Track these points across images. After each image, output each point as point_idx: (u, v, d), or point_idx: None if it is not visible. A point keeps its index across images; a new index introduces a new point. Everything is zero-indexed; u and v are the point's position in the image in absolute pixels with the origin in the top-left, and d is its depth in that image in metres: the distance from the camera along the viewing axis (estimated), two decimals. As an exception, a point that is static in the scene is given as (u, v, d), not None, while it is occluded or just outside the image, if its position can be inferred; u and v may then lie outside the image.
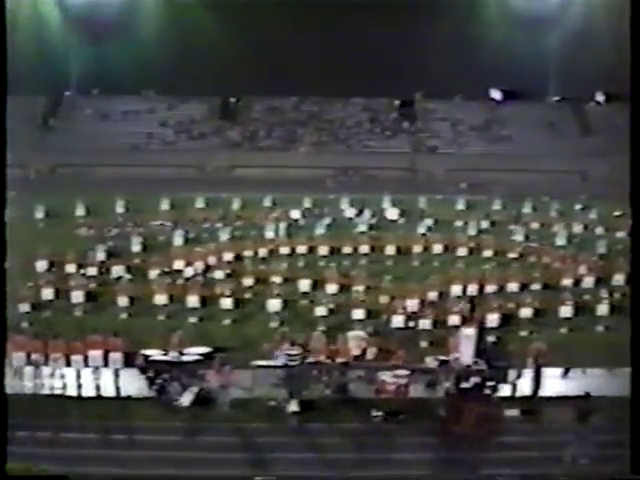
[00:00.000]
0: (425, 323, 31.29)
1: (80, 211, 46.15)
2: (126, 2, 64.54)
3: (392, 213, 47.23)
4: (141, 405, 25.27)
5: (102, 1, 64.24)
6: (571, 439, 22.74)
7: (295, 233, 42.42)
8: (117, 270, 36.42)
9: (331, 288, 34.51)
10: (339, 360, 27.12)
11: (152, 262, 36.82)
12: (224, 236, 41.59)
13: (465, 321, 30.50)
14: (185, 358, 26.92)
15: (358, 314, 32.16)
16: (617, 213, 43.93)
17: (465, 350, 26.91)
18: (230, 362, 26.02)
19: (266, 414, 24.80)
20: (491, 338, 29.31)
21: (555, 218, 46.45)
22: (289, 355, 26.65)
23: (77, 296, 33.44)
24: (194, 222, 44.78)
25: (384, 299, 33.05)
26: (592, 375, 27.04)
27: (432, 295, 33.54)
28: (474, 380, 25.98)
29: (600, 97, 66.10)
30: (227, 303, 33.14)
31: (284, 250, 39.94)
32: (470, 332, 27.40)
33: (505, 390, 26.34)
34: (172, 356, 26.92)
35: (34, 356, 26.71)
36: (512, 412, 25.14)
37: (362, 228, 44.19)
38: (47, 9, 64.22)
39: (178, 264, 37.07)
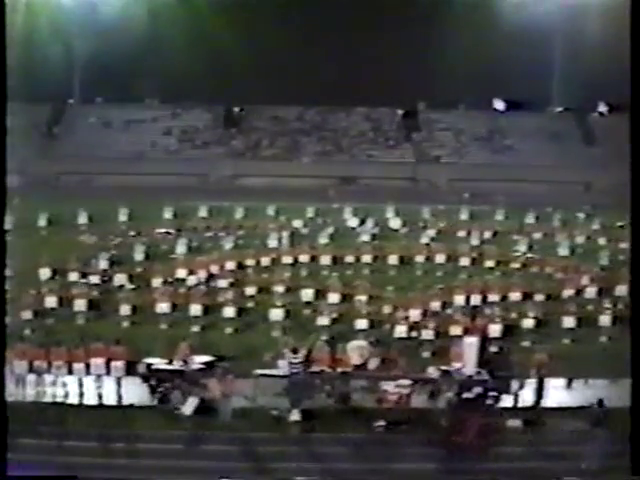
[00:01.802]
0: (427, 333, 31.23)
1: (83, 219, 46.20)
2: (130, 10, 64.69)
3: (395, 223, 47.25)
4: (143, 414, 25.21)
5: (106, 9, 64.40)
6: (574, 449, 22.67)
7: (298, 242, 42.42)
8: (120, 278, 36.45)
9: (333, 298, 34.48)
10: (341, 370, 27.08)
11: (155, 270, 36.82)
12: (227, 245, 41.63)
13: (467, 331, 30.46)
14: (187, 367, 26.87)
15: (360, 324, 32.16)
16: (620, 223, 43.81)
17: (467, 360, 26.84)
18: (232, 371, 25.97)
19: (268, 423, 24.73)
20: (494, 348, 29.20)
21: (558, 228, 46.45)
22: (291, 364, 26.60)
23: (80, 304, 33.45)
24: (197, 231, 44.83)
25: (386, 309, 33.01)
26: (595, 386, 26.97)
27: (435, 305, 33.54)
28: (476, 390, 25.90)
29: (603, 108, 66.24)
30: (230, 312, 33.10)
31: (287, 259, 39.94)
32: (472, 342, 27.35)
33: (507, 401, 26.26)
34: (174, 365, 26.87)
35: (36, 364, 26.68)
36: (514, 423, 25.11)
37: (365, 238, 44.21)
38: (51, 16, 64.34)
39: (181, 273, 37.08)
